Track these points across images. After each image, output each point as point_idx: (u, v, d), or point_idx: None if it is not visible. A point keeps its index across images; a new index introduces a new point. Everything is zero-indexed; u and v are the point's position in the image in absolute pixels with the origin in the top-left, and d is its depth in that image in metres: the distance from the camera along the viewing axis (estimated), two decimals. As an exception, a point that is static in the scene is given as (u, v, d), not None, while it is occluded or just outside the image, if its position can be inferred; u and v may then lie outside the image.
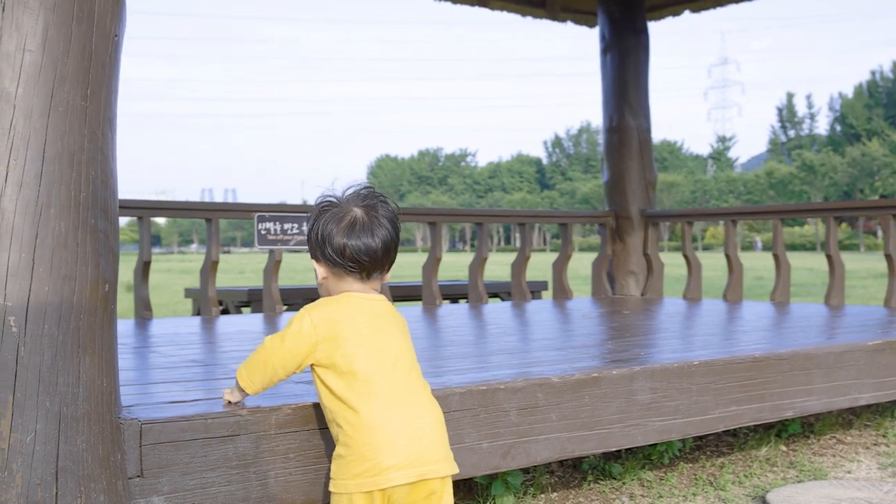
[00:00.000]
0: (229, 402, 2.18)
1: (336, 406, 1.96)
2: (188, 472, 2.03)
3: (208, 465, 2.06)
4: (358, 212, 2.02)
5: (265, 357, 2.04)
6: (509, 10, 7.76)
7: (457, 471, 2.01)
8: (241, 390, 2.13)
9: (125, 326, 4.46)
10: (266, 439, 2.15)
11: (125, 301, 13.77)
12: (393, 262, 2.08)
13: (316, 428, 2.21)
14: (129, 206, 4.79)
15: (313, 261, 2.08)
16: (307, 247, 2.12)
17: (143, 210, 4.82)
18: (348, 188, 2.07)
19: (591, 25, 7.91)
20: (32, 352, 1.78)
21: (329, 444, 2.19)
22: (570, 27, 8.12)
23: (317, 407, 2.18)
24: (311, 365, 2.01)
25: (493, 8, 7.58)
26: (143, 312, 4.86)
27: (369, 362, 1.96)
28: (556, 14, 7.79)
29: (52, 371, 1.80)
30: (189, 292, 8.11)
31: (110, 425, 1.90)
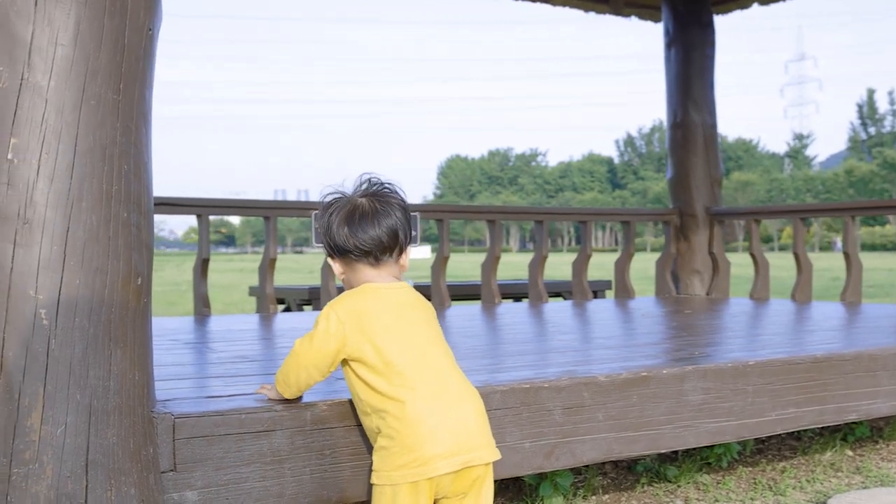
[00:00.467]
0: (259, 393, 2.18)
1: (375, 399, 1.93)
2: (222, 467, 2.02)
3: (242, 461, 2.05)
4: (361, 200, 2.03)
5: (297, 361, 2.03)
6: (572, 6, 7.64)
7: (499, 456, 1.99)
8: (280, 394, 2.13)
9: (182, 323, 4.52)
10: (301, 435, 2.13)
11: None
12: (403, 247, 2.05)
13: (353, 424, 2.19)
14: (187, 205, 4.86)
15: (328, 259, 2.08)
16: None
17: (201, 208, 4.88)
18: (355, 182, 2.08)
19: (656, 20, 7.75)
20: (63, 344, 1.79)
21: (366, 440, 2.16)
22: (636, 23, 7.97)
23: (353, 403, 2.15)
24: (343, 359, 1.99)
25: (555, 4, 7.48)
26: (202, 309, 4.91)
27: (399, 351, 1.93)
28: (620, 9, 7.65)
29: (82, 364, 1.80)
30: (253, 290, 8.20)
31: (142, 419, 1.90)
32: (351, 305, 1.98)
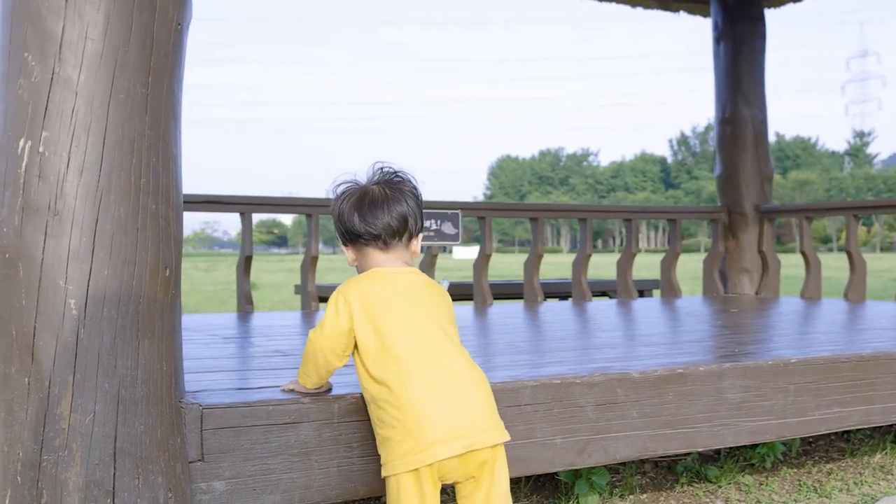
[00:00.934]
0: (286, 389, 2.19)
1: (374, 387, 1.94)
2: (249, 458, 2.03)
3: (270, 452, 2.06)
4: (373, 188, 2.05)
5: (313, 348, 2.04)
6: (619, 2, 7.57)
7: (507, 438, 1.95)
8: (304, 387, 2.15)
9: (225, 319, 4.57)
10: (329, 427, 2.13)
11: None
12: (412, 232, 2.05)
13: (381, 418, 2.18)
14: (230, 202, 4.91)
15: (342, 246, 2.10)
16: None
17: (243, 206, 4.93)
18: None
19: (705, 15, 7.63)
20: (92, 334, 1.81)
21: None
22: (687, 20, 7.87)
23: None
24: (354, 344, 1.99)
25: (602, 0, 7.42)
26: (245, 306, 4.96)
27: (400, 336, 1.94)
28: (668, 4, 7.55)
29: (111, 354, 1.82)
30: (298, 289, 8.27)
31: (170, 409, 1.92)
32: (358, 288, 2.00)
